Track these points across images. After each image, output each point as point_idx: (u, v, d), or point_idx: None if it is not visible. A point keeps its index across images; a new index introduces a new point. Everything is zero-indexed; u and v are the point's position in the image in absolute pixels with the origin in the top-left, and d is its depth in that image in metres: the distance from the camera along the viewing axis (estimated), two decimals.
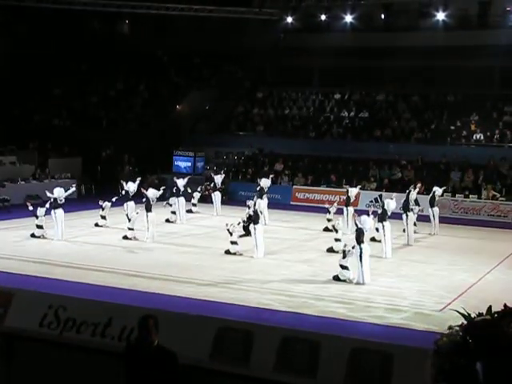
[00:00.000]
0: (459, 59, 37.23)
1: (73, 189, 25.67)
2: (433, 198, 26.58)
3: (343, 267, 18.25)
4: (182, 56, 44.99)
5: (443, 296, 16.91)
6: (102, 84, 44.54)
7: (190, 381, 7.62)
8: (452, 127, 37.35)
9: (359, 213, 21.12)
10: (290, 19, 42.44)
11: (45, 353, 8.72)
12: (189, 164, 35.53)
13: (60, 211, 23.33)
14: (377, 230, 22.77)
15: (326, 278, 18.51)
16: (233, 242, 21.45)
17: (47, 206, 23.55)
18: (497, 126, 36.32)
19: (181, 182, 28.41)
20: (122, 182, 26.81)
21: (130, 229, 23.68)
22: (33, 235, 23.41)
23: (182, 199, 27.99)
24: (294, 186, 35.41)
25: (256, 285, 17.79)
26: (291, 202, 34.38)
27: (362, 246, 18.29)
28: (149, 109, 42.01)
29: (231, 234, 21.48)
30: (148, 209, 23.59)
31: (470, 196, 32.15)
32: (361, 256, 18.13)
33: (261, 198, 27.06)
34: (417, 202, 26.20)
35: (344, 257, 18.30)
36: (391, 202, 22.88)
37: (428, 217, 26.55)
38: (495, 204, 31.33)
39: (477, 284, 18.44)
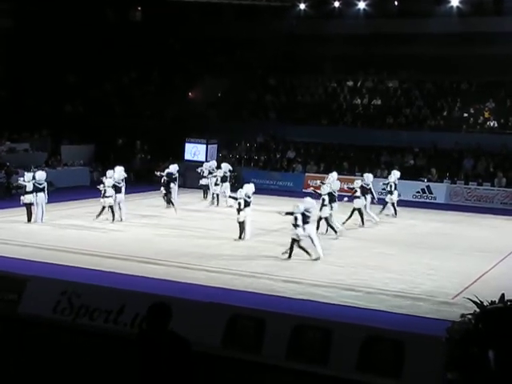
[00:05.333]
0: (473, 46, 36.95)
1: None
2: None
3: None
4: (195, 43, 44.91)
5: (455, 284, 16.86)
6: (116, 72, 44.56)
7: (202, 368, 7.64)
8: (465, 115, 37.14)
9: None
10: (302, 6, 42.20)
11: (58, 339, 8.78)
12: (201, 151, 35.49)
13: (41, 194, 23.69)
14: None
15: (338, 265, 18.52)
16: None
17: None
18: (511, 114, 36.08)
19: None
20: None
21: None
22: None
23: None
24: (307, 174, 35.37)
25: (268, 272, 17.80)
26: (303, 190, 34.31)
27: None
28: (162, 96, 41.98)
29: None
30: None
31: (483, 184, 32.05)
32: None
33: (224, 181, 29.07)
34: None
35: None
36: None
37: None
38: (508, 192, 31.23)
39: (490, 272, 18.39)
